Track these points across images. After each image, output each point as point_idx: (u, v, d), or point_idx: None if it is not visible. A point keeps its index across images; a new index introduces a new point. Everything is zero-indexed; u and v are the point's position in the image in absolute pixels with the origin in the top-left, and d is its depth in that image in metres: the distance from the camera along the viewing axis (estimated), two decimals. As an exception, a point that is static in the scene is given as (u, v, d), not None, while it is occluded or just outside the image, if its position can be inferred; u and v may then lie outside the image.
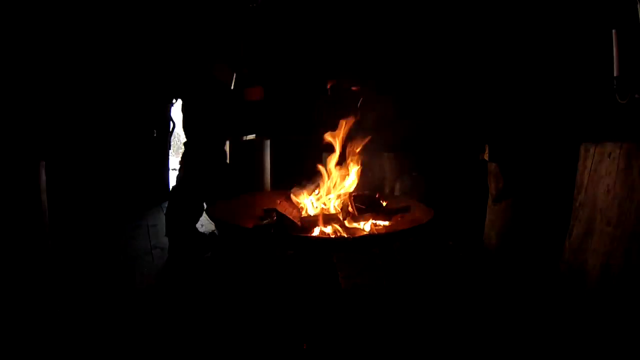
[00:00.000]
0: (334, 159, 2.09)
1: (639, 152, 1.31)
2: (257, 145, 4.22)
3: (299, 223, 1.90)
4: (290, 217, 1.88)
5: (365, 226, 1.93)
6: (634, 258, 1.23)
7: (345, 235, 1.85)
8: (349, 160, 2.07)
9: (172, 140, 4.16)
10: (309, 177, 2.18)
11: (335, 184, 2.07)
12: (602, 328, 1.21)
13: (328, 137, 2.08)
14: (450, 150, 3.08)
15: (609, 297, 1.25)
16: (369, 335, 1.18)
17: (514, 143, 2.40)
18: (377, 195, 2.04)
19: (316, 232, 1.87)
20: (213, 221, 1.90)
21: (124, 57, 3.53)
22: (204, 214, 2.11)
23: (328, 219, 1.92)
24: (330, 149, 2.08)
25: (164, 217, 2.19)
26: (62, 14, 3.19)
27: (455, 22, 3.19)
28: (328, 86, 2.63)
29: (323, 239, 1.76)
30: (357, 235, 1.85)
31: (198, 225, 2.70)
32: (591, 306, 1.30)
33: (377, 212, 1.92)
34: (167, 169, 4.18)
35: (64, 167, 3.28)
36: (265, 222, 2.00)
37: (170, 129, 4.01)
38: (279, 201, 2.00)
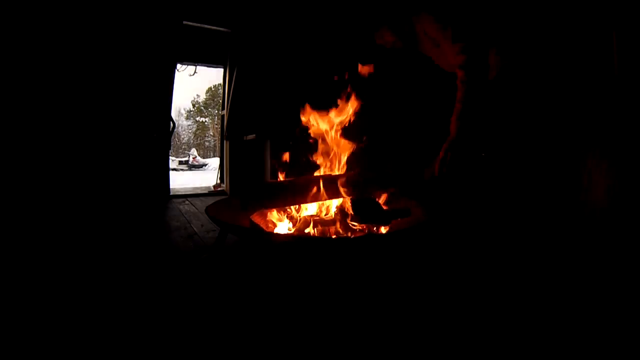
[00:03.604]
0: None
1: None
2: (257, 145, 4.22)
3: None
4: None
5: (364, 227, 1.93)
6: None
7: (345, 236, 1.85)
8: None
9: (172, 140, 4.16)
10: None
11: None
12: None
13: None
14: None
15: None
16: (370, 335, 1.18)
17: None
18: (376, 199, 2.04)
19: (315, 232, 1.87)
20: (213, 221, 1.90)
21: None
22: (205, 214, 2.11)
23: (327, 221, 1.93)
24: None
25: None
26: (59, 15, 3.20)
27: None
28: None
29: (323, 239, 1.77)
30: (356, 236, 1.85)
31: (198, 226, 2.71)
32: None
33: (376, 215, 1.92)
34: (168, 169, 4.17)
35: (65, 168, 3.29)
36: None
37: (170, 129, 4.01)
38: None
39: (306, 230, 1.87)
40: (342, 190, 1.91)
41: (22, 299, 1.41)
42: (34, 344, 1.09)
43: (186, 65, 4.88)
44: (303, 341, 1.13)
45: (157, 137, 3.82)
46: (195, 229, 2.62)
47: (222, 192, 4.59)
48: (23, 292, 1.47)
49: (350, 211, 1.96)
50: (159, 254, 2.04)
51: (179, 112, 32.62)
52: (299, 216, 1.98)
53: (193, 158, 19.27)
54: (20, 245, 2.12)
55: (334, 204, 2.05)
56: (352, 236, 1.83)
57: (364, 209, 1.93)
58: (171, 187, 4.26)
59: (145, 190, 3.75)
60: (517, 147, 2.49)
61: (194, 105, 32.09)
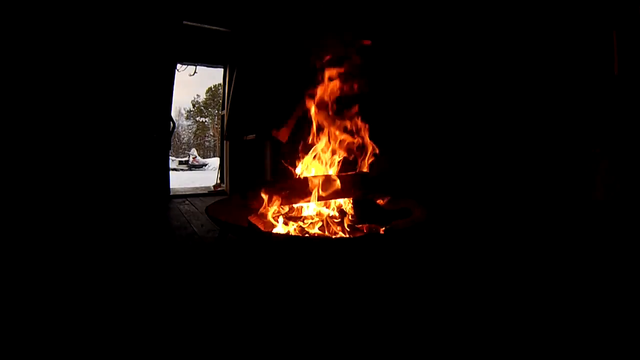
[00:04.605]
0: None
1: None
2: (257, 145, 4.22)
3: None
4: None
5: (364, 227, 1.93)
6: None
7: (345, 236, 1.85)
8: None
9: (172, 140, 4.14)
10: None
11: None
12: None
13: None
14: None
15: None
16: (368, 334, 1.18)
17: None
18: (376, 199, 2.04)
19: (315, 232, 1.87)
20: (213, 221, 1.90)
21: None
22: (205, 214, 2.11)
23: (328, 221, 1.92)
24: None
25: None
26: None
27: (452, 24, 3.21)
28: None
29: (321, 239, 1.76)
30: (355, 236, 1.85)
31: (198, 226, 2.71)
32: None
33: (376, 215, 1.92)
34: (168, 169, 4.16)
35: (64, 168, 3.29)
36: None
37: (170, 129, 4.01)
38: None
39: (305, 230, 1.87)
40: (343, 190, 1.91)
41: (24, 298, 1.41)
42: (37, 338, 1.09)
43: (186, 65, 4.88)
44: (301, 340, 1.13)
45: (157, 137, 3.81)
46: (195, 228, 2.62)
47: (222, 192, 4.59)
48: (25, 291, 1.47)
49: (351, 211, 1.96)
50: (159, 254, 2.04)
51: (179, 112, 32.60)
52: (299, 216, 1.98)
53: (193, 158, 19.25)
54: (19, 245, 2.13)
55: (333, 203, 2.05)
56: (351, 236, 1.83)
57: (364, 209, 1.93)
58: (171, 187, 4.26)
59: (146, 190, 3.75)
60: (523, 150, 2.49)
61: (194, 105, 32.06)
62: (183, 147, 31.19)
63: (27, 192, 3.08)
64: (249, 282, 1.63)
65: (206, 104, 31.09)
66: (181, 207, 3.58)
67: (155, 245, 2.23)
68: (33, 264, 1.82)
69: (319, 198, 1.92)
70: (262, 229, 1.84)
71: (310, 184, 1.90)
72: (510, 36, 2.78)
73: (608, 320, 1.23)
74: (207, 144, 31.50)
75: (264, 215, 1.95)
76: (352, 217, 1.94)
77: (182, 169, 17.64)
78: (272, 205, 1.89)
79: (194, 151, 20.85)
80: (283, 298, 1.45)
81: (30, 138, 3.11)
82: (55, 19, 3.15)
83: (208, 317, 1.28)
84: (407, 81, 3.56)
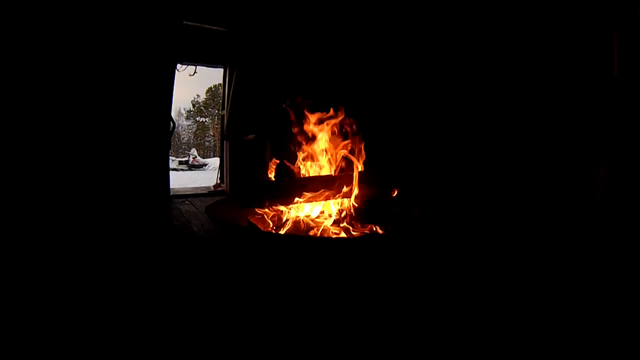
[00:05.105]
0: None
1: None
2: (257, 145, 4.22)
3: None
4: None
5: (364, 227, 1.93)
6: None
7: (346, 236, 1.85)
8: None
9: (172, 140, 4.13)
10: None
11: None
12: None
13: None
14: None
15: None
16: (369, 334, 1.18)
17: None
18: (376, 199, 2.04)
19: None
20: (213, 221, 1.90)
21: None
22: (205, 214, 2.11)
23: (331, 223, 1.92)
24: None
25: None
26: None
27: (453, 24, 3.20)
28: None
29: (321, 239, 1.76)
30: (357, 235, 1.85)
31: (198, 225, 2.71)
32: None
33: (377, 215, 1.92)
34: (168, 169, 4.16)
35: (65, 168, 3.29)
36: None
37: (170, 129, 4.00)
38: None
39: (305, 230, 1.87)
40: (343, 190, 1.91)
41: (24, 297, 1.41)
42: (37, 337, 1.09)
43: (186, 65, 4.87)
44: (300, 339, 1.13)
45: (157, 137, 3.81)
46: (195, 228, 2.62)
47: (222, 192, 4.59)
48: (25, 291, 1.47)
49: (352, 211, 1.96)
50: (159, 254, 2.04)
51: (179, 112, 32.61)
52: (299, 216, 1.98)
53: (193, 158, 19.23)
54: (19, 245, 2.13)
55: (333, 203, 2.05)
56: (351, 236, 1.83)
57: (364, 209, 1.93)
58: (171, 187, 4.26)
59: (145, 191, 3.75)
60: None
61: (194, 105, 32.06)
62: (183, 147, 31.18)
63: (26, 191, 3.08)
64: (248, 282, 1.63)
65: (206, 104, 31.09)
66: (181, 207, 3.58)
67: (155, 246, 2.23)
68: (33, 264, 1.82)
69: (319, 198, 1.92)
70: (262, 229, 1.84)
71: (309, 183, 1.90)
72: (510, 36, 2.78)
73: (607, 319, 1.23)
74: (207, 144, 31.49)
75: (264, 215, 1.95)
76: (352, 217, 1.94)
77: (182, 169, 17.62)
78: (272, 205, 1.89)
79: (194, 151, 20.82)
80: (283, 298, 1.45)
81: (30, 138, 3.11)
82: (56, 19, 3.15)
83: (208, 317, 1.28)
84: (403, 80, 3.56)
